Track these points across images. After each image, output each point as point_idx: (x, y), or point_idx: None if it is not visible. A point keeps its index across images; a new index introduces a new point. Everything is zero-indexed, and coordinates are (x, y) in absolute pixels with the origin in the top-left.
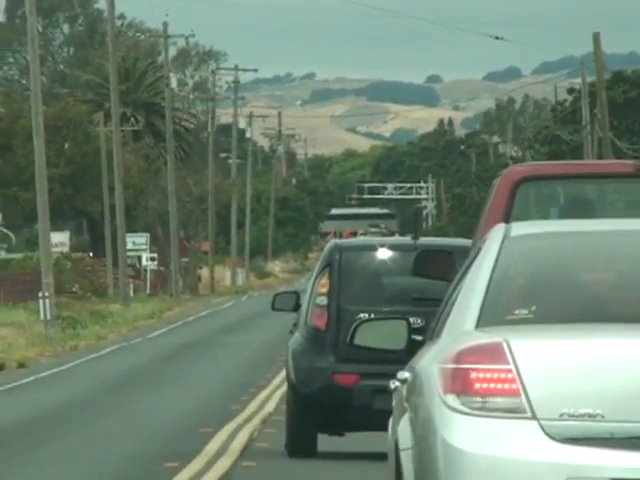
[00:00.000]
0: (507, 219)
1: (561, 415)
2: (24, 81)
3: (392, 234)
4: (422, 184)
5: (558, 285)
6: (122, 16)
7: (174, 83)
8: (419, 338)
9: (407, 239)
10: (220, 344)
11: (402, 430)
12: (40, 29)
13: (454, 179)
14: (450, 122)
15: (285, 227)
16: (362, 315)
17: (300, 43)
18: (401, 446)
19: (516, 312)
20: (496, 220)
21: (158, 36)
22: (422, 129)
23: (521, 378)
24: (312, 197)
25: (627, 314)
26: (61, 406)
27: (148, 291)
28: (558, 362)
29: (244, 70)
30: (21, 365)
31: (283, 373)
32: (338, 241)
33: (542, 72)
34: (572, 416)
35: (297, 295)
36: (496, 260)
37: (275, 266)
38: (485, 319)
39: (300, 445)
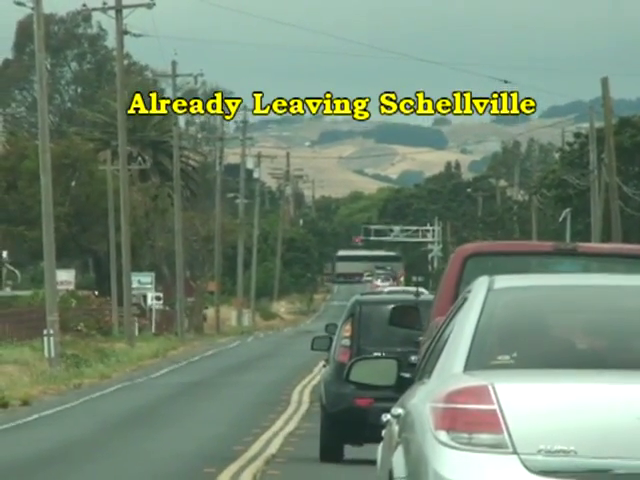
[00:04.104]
0: (459, 284)
1: (539, 450)
2: (32, 119)
3: (398, 276)
4: (428, 227)
5: (536, 334)
6: (128, 55)
7: (182, 122)
8: (407, 375)
9: (411, 295)
10: (225, 384)
11: (396, 461)
12: (48, 67)
13: (460, 222)
14: (457, 165)
15: (291, 268)
16: (376, 353)
17: (310, 84)
18: (395, 475)
19: (499, 358)
20: (451, 284)
21: (167, 75)
22: (429, 171)
23: (504, 417)
24: (319, 238)
25: (597, 360)
26: (63, 445)
27: (153, 330)
28: (537, 403)
29: (253, 110)
30: (25, 403)
31: (286, 415)
32: (359, 297)
33: (550, 116)
34: (548, 452)
35: (330, 339)
36: (481, 310)
37: (281, 307)
38: (472, 363)
39: (330, 453)
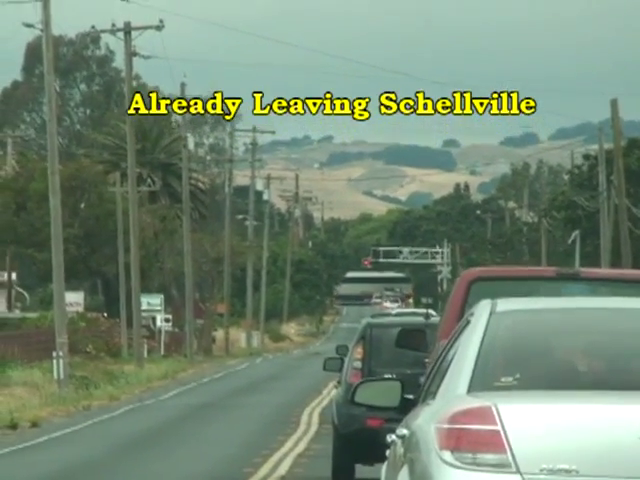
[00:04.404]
0: (464, 307)
1: (541, 470)
2: (41, 141)
3: (407, 297)
4: (438, 249)
5: (538, 356)
6: (137, 76)
7: (191, 144)
8: (410, 397)
9: (421, 319)
10: (234, 406)
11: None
12: (57, 89)
13: (470, 244)
14: (466, 187)
15: (301, 290)
16: (387, 375)
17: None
18: None
19: (502, 379)
20: (456, 308)
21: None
22: (438, 193)
23: (507, 437)
24: (328, 260)
25: (597, 381)
26: (73, 466)
27: (162, 352)
28: (540, 424)
29: (262, 132)
30: (34, 425)
31: (296, 436)
32: (370, 320)
33: (559, 138)
34: (551, 471)
35: (342, 360)
36: (484, 333)
37: (290, 329)
38: (475, 385)
39: (342, 473)
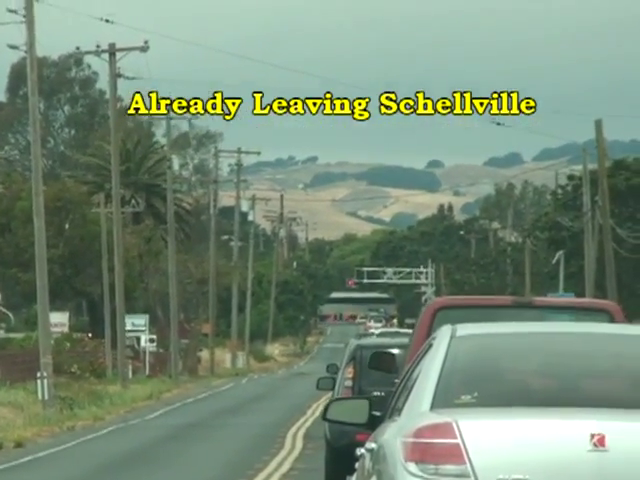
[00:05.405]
0: (429, 333)
1: (498, 479)
2: (26, 162)
3: (391, 318)
4: (422, 269)
5: (495, 376)
6: (121, 98)
7: (176, 165)
8: (378, 414)
9: (406, 340)
10: (219, 426)
11: None
12: (41, 110)
13: (454, 264)
14: (450, 207)
15: (285, 310)
16: (376, 393)
17: (303, 127)
18: None
19: (462, 397)
20: (422, 334)
21: (161, 118)
22: (422, 214)
23: (467, 450)
24: (312, 281)
25: (548, 399)
26: None
27: (147, 372)
28: (496, 438)
29: (247, 152)
30: (18, 445)
31: (280, 457)
32: (360, 342)
33: (543, 158)
34: None
35: (333, 379)
36: (445, 355)
37: (274, 349)
38: (438, 402)
39: None
